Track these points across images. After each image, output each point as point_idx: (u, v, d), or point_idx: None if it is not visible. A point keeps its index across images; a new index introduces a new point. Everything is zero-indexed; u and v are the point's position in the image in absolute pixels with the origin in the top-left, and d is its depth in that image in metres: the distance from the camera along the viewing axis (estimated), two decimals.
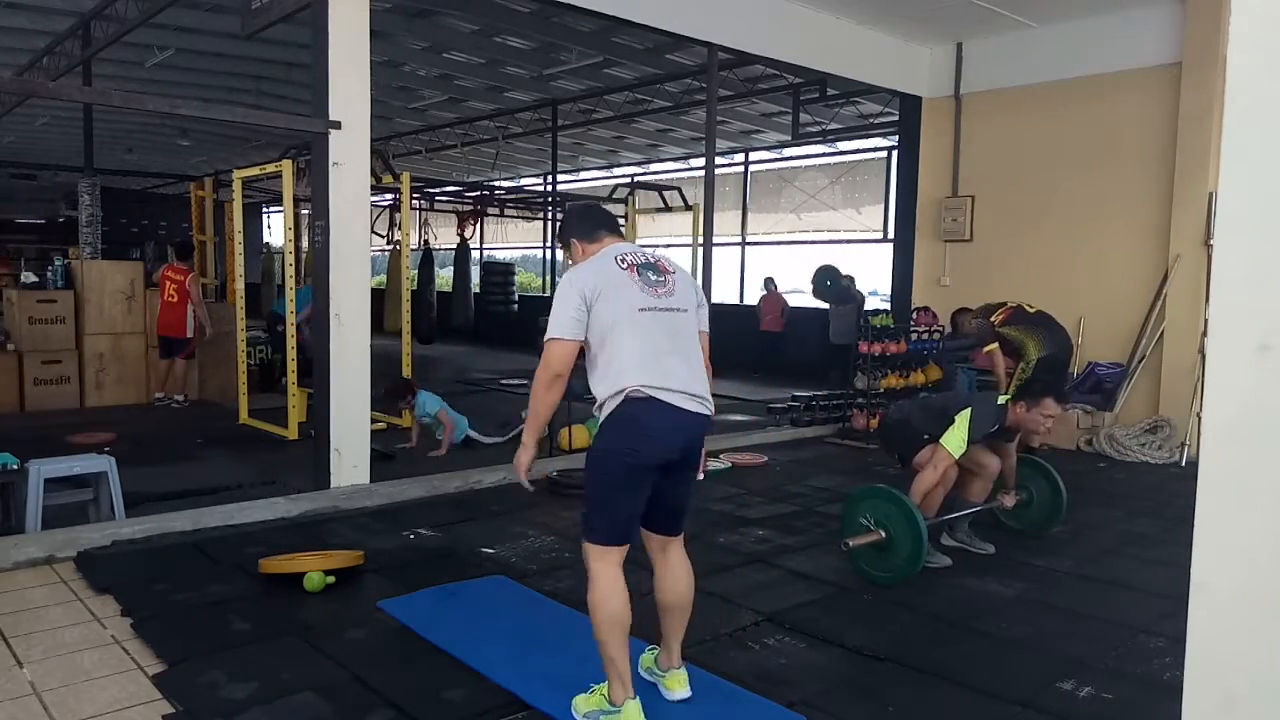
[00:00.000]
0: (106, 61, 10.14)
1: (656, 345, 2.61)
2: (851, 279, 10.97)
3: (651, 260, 2.73)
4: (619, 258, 2.69)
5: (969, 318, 6.79)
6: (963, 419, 4.21)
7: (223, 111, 9.14)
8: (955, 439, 4.20)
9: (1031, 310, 6.33)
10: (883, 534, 3.98)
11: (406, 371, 7.69)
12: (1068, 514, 4.82)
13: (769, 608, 3.68)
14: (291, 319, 7.11)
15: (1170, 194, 7.43)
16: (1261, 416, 1.64)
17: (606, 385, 2.61)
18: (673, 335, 2.65)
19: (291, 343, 7.18)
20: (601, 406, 2.66)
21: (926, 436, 4.44)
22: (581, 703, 2.71)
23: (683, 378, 2.63)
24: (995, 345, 6.26)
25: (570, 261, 2.89)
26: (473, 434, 7.15)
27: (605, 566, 2.62)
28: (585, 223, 2.86)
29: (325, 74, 5.15)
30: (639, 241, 10.70)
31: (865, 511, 4.08)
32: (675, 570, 2.81)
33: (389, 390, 6.94)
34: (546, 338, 2.66)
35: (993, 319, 6.29)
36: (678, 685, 2.83)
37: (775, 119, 13.27)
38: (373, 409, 5.80)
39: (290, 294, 7.22)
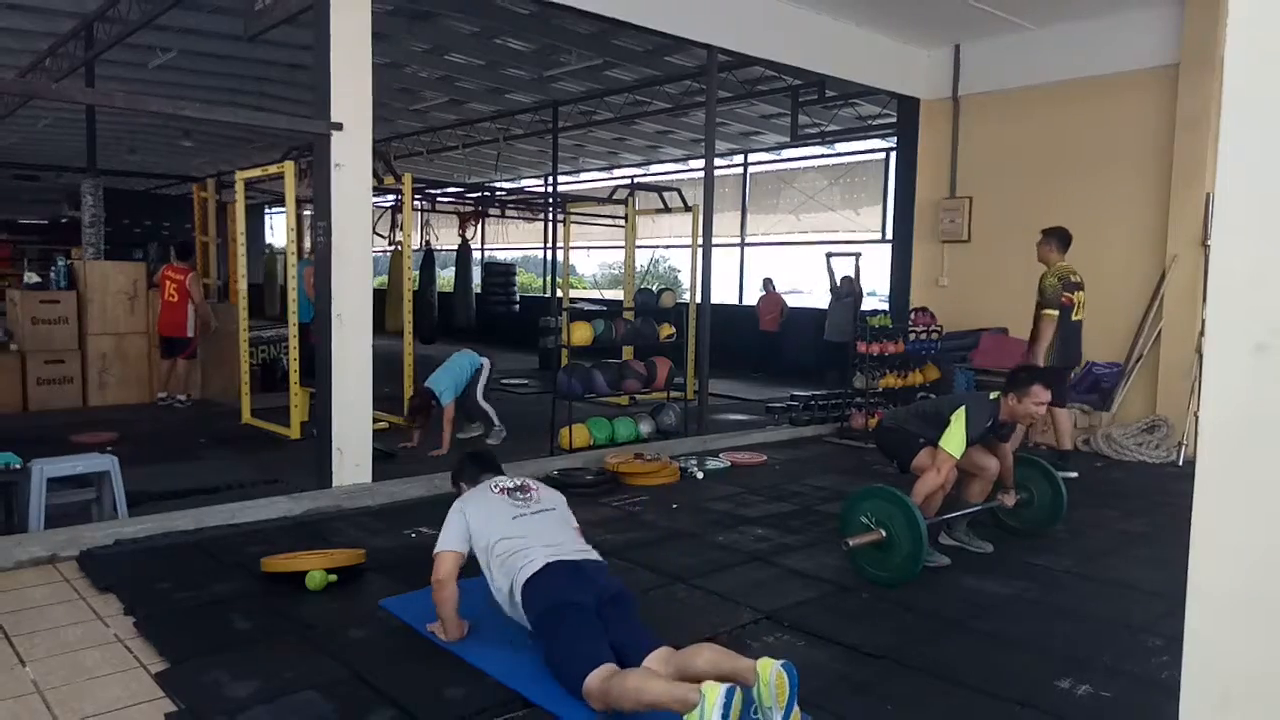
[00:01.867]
0: (109, 63, 10.14)
1: (533, 534, 3.15)
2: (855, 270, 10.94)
3: (518, 484, 3.42)
4: (493, 486, 3.41)
5: (1055, 258, 6.44)
6: (959, 419, 4.23)
7: (225, 113, 9.18)
8: (954, 439, 4.21)
9: (1076, 319, 6.38)
10: (883, 533, 3.99)
11: (408, 372, 7.71)
12: (1066, 514, 4.83)
13: (768, 606, 3.69)
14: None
15: (1168, 195, 7.44)
16: (1258, 416, 1.65)
17: (505, 577, 3.09)
18: (540, 527, 3.20)
19: (294, 342, 7.20)
20: (510, 594, 3.07)
21: (922, 440, 4.45)
22: None
23: (567, 546, 3.13)
24: (1055, 314, 6.20)
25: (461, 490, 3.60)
26: (491, 415, 7.20)
27: (602, 682, 2.63)
28: (471, 469, 3.65)
29: (327, 76, 5.17)
30: (638, 242, 10.74)
31: (866, 511, 4.10)
32: (690, 655, 2.74)
33: (415, 409, 6.95)
34: (435, 550, 3.22)
35: (1061, 295, 6.25)
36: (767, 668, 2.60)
37: (774, 120, 13.28)
38: (374, 408, 5.82)
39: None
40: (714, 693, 2.44)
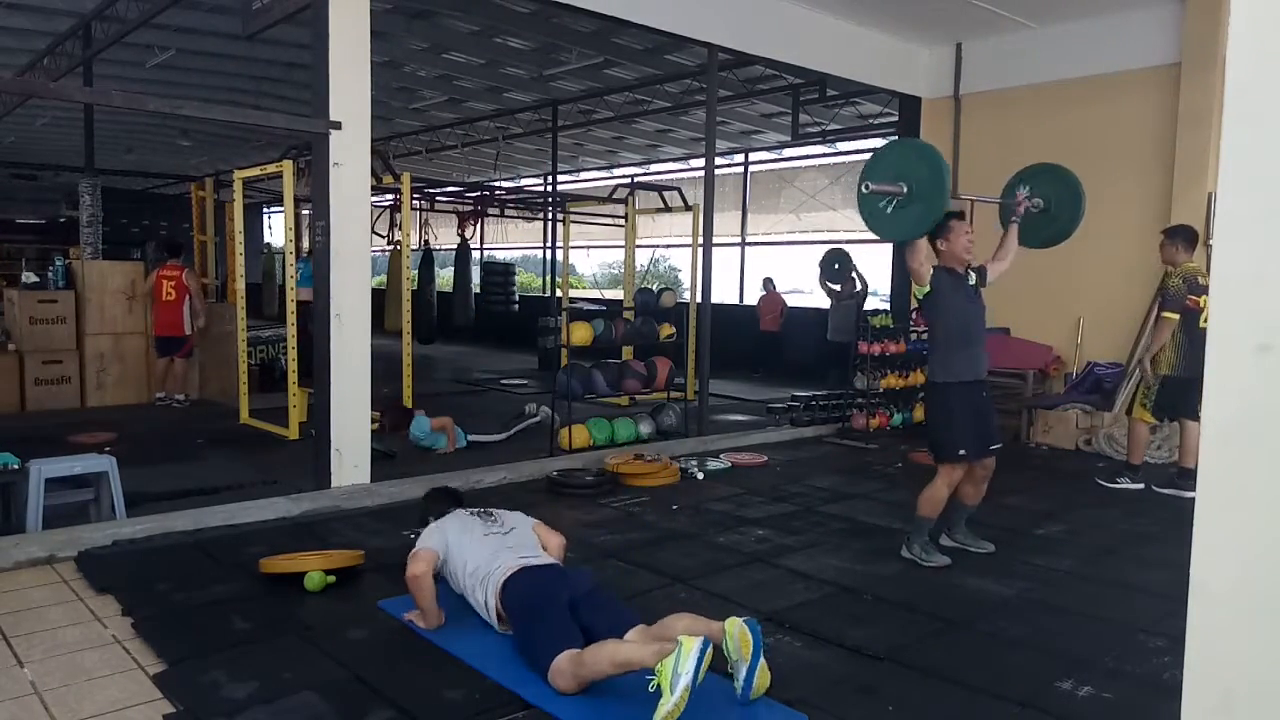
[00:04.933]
0: (107, 62, 10.14)
1: (504, 547, 3.34)
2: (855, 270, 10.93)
3: (487, 510, 3.67)
4: (466, 512, 3.67)
5: (1182, 258, 5.94)
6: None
7: (223, 112, 9.16)
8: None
9: (1202, 326, 5.78)
10: (905, 188, 3.90)
11: (408, 372, 7.70)
12: (1067, 513, 4.82)
13: (769, 607, 3.68)
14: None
15: (1169, 194, 7.43)
16: (1261, 416, 1.65)
17: (483, 589, 3.24)
18: (511, 543, 3.39)
19: (293, 341, 7.19)
20: (486, 605, 3.24)
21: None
22: (663, 680, 2.60)
23: (535, 556, 3.31)
24: (1175, 318, 5.79)
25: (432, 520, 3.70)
26: (474, 437, 7.16)
27: (569, 664, 2.81)
28: (440, 505, 3.82)
29: (326, 74, 5.16)
30: (638, 241, 10.73)
31: (895, 162, 4.00)
32: (661, 629, 2.93)
33: (388, 410, 6.88)
34: (412, 551, 3.41)
35: (1186, 298, 5.83)
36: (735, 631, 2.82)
37: (775, 119, 13.28)
38: (373, 409, 5.81)
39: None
40: (690, 642, 2.62)
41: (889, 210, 4.05)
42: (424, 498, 4.04)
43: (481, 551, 3.33)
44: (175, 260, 8.97)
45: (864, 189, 4.00)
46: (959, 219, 4.36)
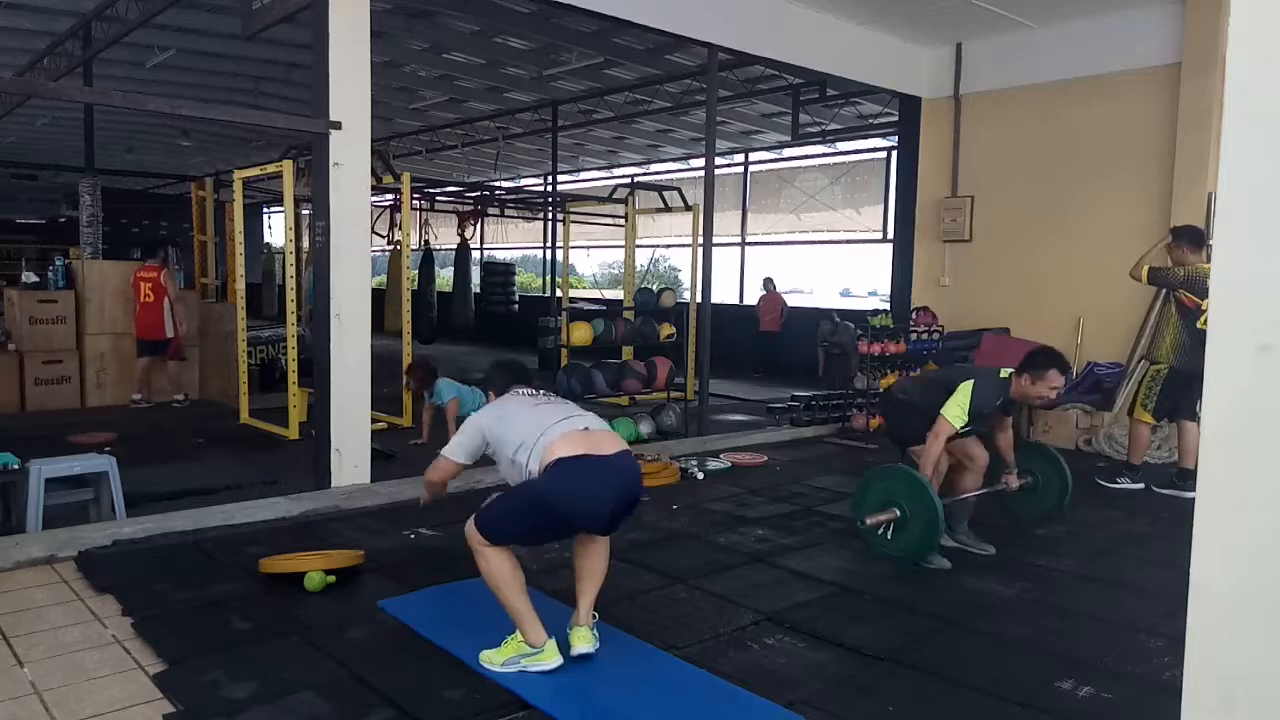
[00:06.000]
0: (107, 62, 10.14)
1: (556, 412, 3.17)
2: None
3: (539, 390, 3.45)
4: (517, 391, 3.41)
5: (1191, 259, 5.93)
6: (964, 389, 4.19)
7: (223, 112, 9.16)
8: (956, 408, 4.18)
9: (1200, 327, 5.68)
10: (897, 512, 3.99)
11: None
12: (1069, 511, 4.82)
13: (769, 607, 3.68)
14: None
15: (1170, 194, 7.43)
16: (1261, 416, 1.65)
17: (533, 456, 3.04)
18: (567, 411, 3.23)
19: (293, 341, 7.19)
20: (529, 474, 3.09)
21: (927, 425, 4.41)
22: (495, 655, 3.00)
23: (592, 420, 3.19)
24: (1171, 272, 5.87)
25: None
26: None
27: (490, 549, 3.00)
28: (502, 378, 3.52)
29: (326, 74, 5.16)
30: (638, 241, 10.73)
31: (880, 490, 4.10)
32: (596, 550, 3.21)
33: (415, 368, 7.03)
34: (442, 452, 3.32)
35: (1183, 294, 5.85)
36: (581, 641, 3.09)
37: (775, 119, 13.28)
38: (373, 409, 5.81)
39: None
40: (553, 656, 2.96)
41: (890, 537, 4.18)
42: (491, 366, 3.64)
43: (531, 421, 3.12)
44: (153, 261, 8.85)
45: (860, 525, 4.16)
46: (1058, 370, 4.22)
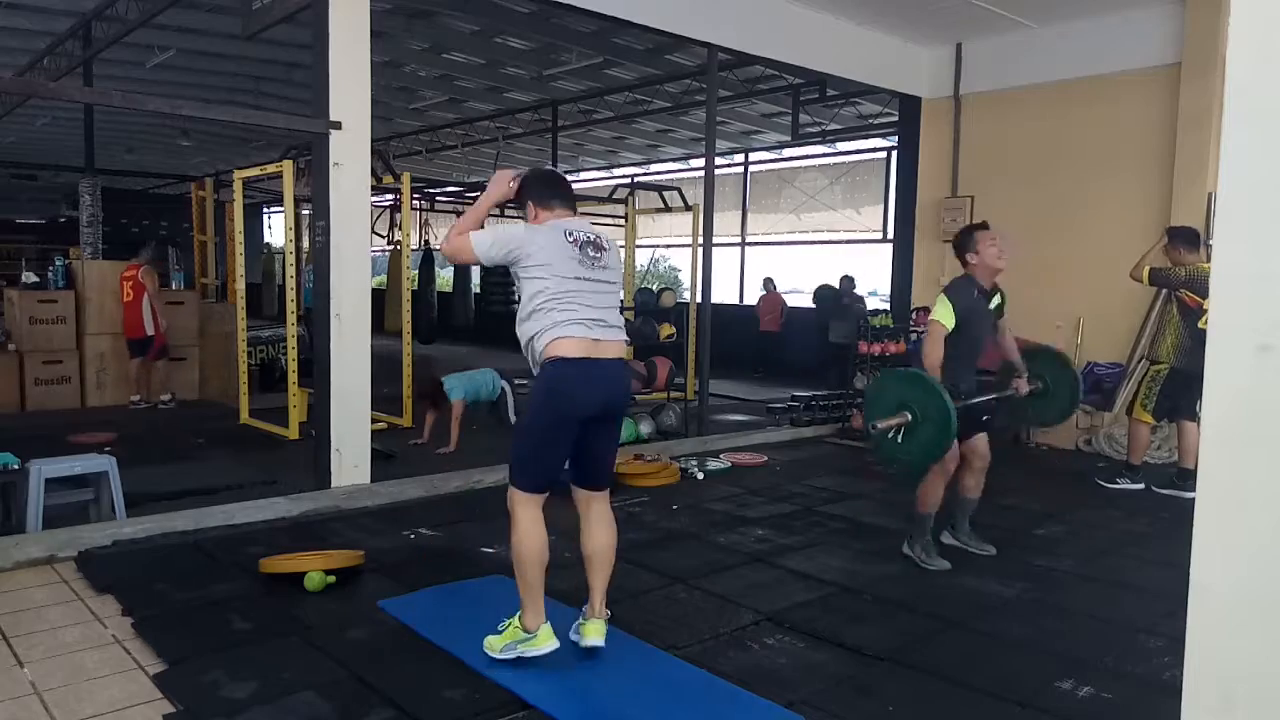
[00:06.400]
0: (107, 62, 10.14)
1: (584, 303, 3.00)
2: (851, 280, 10.93)
3: (592, 238, 3.11)
4: (567, 232, 3.07)
5: (1189, 259, 5.95)
6: (940, 298, 4.24)
7: (223, 112, 9.17)
8: (940, 310, 4.20)
9: (1201, 327, 5.69)
10: (909, 416, 3.95)
11: (407, 372, 7.70)
12: (1067, 513, 4.82)
13: (769, 607, 3.68)
14: None
15: (1170, 194, 7.42)
16: (1261, 416, 1.65)
17: (541, 338, 2.98)
18: (597, 299, 3.05)
19: (293, 341, 7.18)
20: (534, 355, 3.05)
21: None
22: (496, 640, 3.03)
23: (608, 321, 3.06)
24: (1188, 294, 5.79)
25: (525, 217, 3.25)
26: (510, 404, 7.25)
27: (527, 510, 3.03)
28: (545, 190, 3.20)
29: (325, 74, 5.15)
30: (638, 241, 10.72)
31: (891, 395, 4.07)
32: (597, 524, 3.21)
33: (421, 395, 7.08)
34: (474, 235, 3.06)
35: (1185, 294, 5.84)
36: (592, 633, 3.09)
37: (775, 119, 13.27)
38: (373, 409, 5.81)
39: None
40: (546, 640, 2.97)
41: (900, 440, 4.10)
42: (529, 174, 3.30)
43: (560, 293, 2.97)
44: (134, 259, 8.82)
45: (871, 430, 4.08)
46: (983, 229, 4.33)
